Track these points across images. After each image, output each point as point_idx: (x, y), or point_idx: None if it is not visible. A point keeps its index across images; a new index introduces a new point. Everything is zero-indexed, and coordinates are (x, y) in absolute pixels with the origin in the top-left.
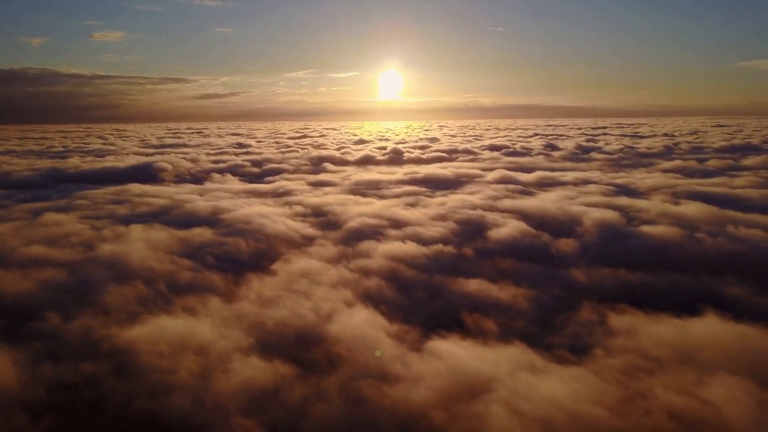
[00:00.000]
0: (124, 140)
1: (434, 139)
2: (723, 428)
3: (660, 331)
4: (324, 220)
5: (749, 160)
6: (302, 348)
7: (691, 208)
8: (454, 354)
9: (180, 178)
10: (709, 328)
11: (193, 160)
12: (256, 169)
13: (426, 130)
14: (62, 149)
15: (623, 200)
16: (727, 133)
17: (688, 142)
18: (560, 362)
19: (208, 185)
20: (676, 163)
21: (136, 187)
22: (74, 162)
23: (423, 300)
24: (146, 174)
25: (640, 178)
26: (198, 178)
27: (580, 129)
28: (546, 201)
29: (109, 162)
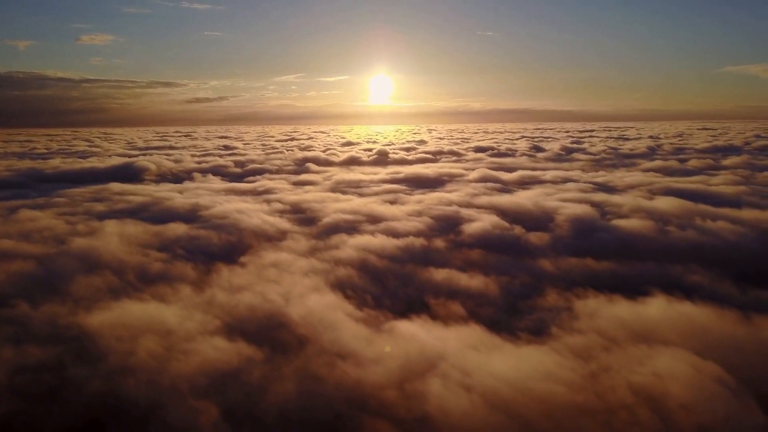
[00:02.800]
0: (110, 143)
1: (422, 142)
2: (666, 396)
3: (618, 312)
4: (301, 216)
5: (729, 161)
6: (267, 331)
7: (664, 203)
8: (417, 336)
9: (162, 178)
10: (662, 310)
11: (177, 161)
12: (238, 170)
13: (415, 134)
14: (45, 151)
15: (599, 196)
16: (711, 136)
17: (671, 144)
18: (522, 343)
19: (189, 184)
20: (657, 163)
21: (116, 186)
22: (55, 163)
23: (392, 288)
24: (128, 174)
25: (620, 176)
26: (180, 177)
27: (567, 132)
28: (523, 198)
29: (91, 163)
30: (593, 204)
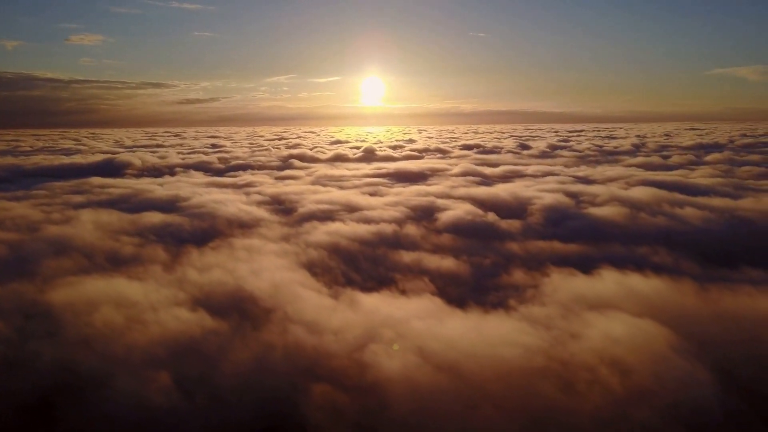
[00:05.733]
0: (97, 142)
1: (411, 141)
2: (620, 358)
3: (577, 287)
4: (279, 207)
5: (711, 157)
6: (232, 305)
7: (638, 192)
8: (380, 308)
9: (144, 172)
10: (619, 283)
11: (162, 157)
12: (222, 166)
13: (405, 134)
14: (29, 149)
15: (576, 187)
16: (697, 135)
17: (657, 142)
18: (483, 314)
19: (170, 178)
20: (640, 159)
21: (97, 180)
22: (38, 159)
23: (361, 268)
24: (111, 168)
25: (601, 171)
26: (162, 172)
27: (556, 132)
28: (501, 189)
29: (74, 159)
30: (569, 194)
